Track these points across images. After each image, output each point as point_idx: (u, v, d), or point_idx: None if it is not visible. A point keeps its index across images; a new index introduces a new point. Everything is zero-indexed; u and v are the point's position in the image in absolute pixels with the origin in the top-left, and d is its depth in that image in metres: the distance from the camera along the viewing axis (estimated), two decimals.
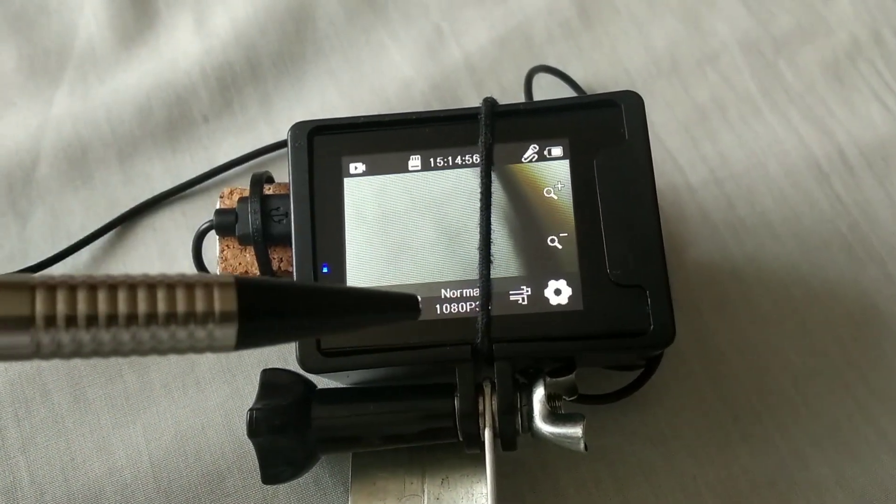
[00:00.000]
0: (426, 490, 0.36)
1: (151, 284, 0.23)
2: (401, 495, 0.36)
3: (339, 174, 0.36)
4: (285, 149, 0.37)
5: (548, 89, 0.47)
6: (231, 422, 0.40)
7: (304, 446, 0.35)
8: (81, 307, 0.23)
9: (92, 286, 0.23)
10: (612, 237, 0.34)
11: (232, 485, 0.38)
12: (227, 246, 0.38)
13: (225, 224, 0.37)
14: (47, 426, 0.40)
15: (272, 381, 0.36)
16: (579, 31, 0.49)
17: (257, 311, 0.24)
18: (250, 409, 0.34)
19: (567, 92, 0.47)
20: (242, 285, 0.24)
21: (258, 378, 0.36)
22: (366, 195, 0.35)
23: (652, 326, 0.33)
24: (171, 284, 0.23)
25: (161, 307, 0.23)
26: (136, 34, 0.50)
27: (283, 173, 0.42)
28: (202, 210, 0.45)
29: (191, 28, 0.50)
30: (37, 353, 0.23)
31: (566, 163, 0.35)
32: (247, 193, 0.38)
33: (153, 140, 0.47)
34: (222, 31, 0.49)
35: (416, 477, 0.36)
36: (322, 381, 0.37)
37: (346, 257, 0.35)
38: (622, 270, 0.33)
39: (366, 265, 0.35)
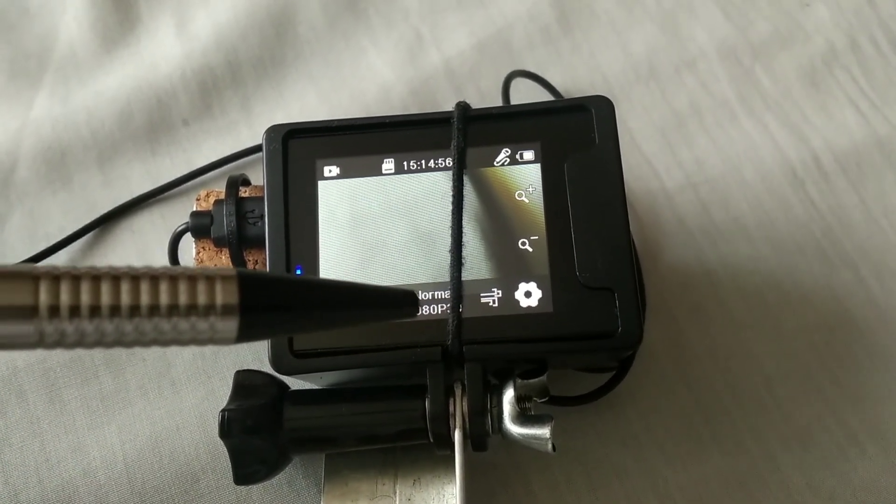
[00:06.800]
0: (398, 491, 0.36)
1: (154, 276, 0.23)
2: (373, 496, 0.36)
3: (314, 177, 0.36)
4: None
5: (527, 94, 0.47)
6: (206, 423, 0.40)
7: (277, 447, 0.35)
8: (85, 298, 0.23)
9: (96, 277, 0.23)
10: (581, 240, 0.34)
11: (206, 485, 0.39)
12: (202, 248, 0.38)
13: (200, 226, 0.37)
14: (22, 427, 0.40)
15: (245, 382, 0.36)
16: (559, 37, 0.49)
17: (258, 305, 0.24)
18: (222, 410, 0.34)
19: (545, 97, 0.47)
20: (244, 279, 0.24)
21: None
22: (339, 198, 0.36)
23: (620, 328, 0.33)
24: (173, 276, 0.24)
25: (164, 299, 0.23)
26: (117, 37, 0.50)
27: (260, 176, 0.42)
28: (181, 212, 0.45)
29: (172, 31, 0.50)
30: (40, 342, 0.23)
31: (538, 166, 0.35)
32: (223, 196, 0.38)
33: (133, 143, 0.47)
34: (203, 34, 0.49)
35: (388, 478, 0.36)
36: (297, 383, 0.37)
37: (320, 259, 0.35)
38: (591, 273, 0.34)
39: (339, 267, 0.35)
